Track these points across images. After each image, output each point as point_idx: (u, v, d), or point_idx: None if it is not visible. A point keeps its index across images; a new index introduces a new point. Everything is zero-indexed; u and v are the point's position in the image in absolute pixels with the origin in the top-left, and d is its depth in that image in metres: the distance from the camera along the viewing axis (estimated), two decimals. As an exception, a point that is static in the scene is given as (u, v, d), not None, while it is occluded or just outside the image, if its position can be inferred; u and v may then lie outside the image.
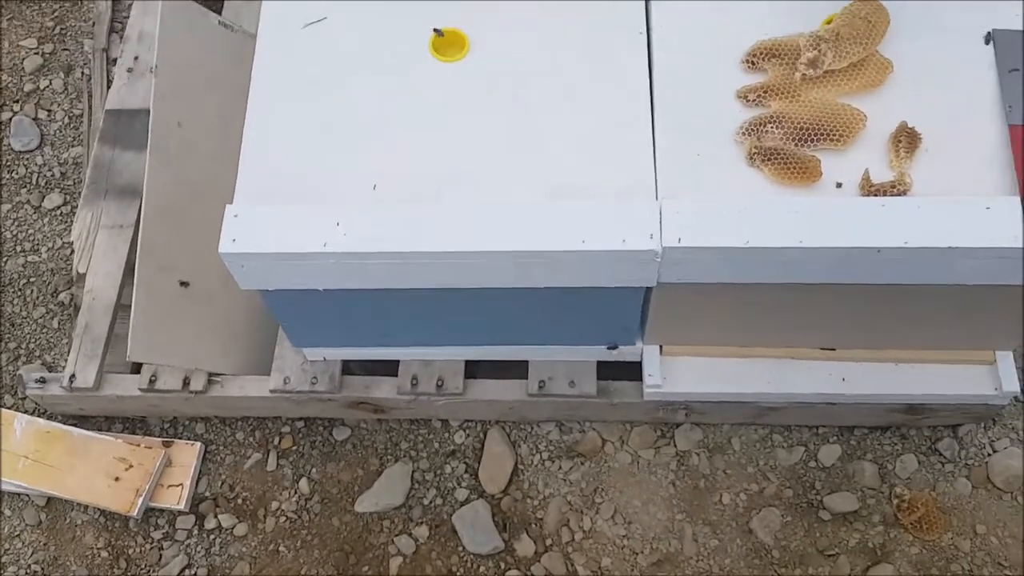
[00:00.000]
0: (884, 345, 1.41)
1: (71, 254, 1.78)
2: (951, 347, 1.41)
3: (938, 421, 1.54)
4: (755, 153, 1.17)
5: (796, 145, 1.16)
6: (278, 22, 1.29)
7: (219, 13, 1.76)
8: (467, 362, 1.51)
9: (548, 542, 1.54)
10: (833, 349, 1.42)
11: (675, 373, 1.45)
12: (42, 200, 1.86)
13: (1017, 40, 1.21)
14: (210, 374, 1.51)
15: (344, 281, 1.17)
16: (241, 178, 1.18)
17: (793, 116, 1.17)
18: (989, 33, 1.22)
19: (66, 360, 1.56)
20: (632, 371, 1.49)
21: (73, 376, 1.51)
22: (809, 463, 1.57)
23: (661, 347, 1.45)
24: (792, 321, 1.34)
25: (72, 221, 1.79)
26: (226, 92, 1.49)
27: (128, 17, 1.89)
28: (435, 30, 1.27)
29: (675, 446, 1.59)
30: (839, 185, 1.15)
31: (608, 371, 1.51)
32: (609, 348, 1.44)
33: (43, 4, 2.07)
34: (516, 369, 1.51)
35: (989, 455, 1.55)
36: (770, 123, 1.17)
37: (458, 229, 1.13)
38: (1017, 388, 1.40)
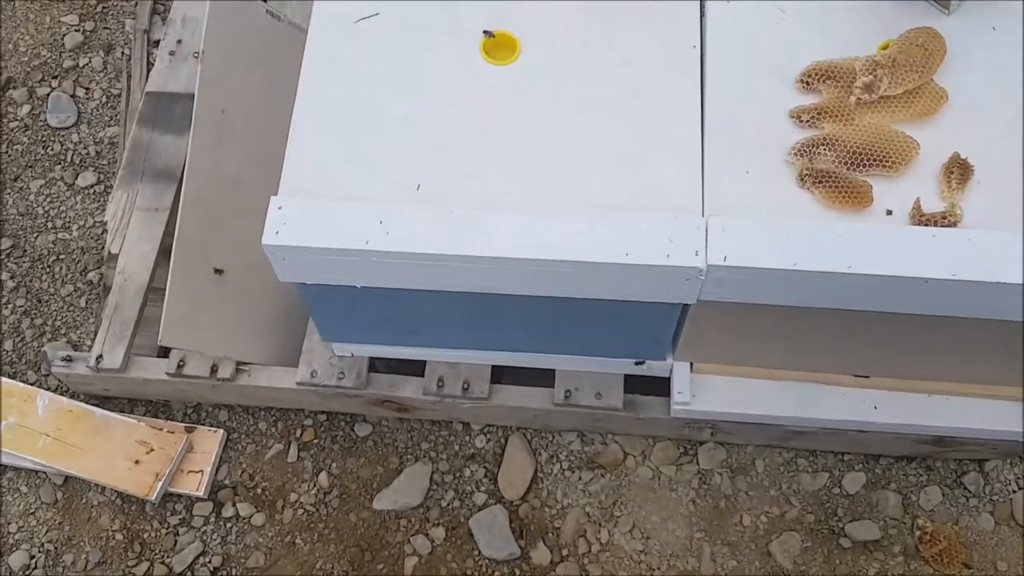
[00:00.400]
0: (918, 376, 1.39)
1: (103, 233, 1.78)
2: (984, 382, 1.39)
3: (965, 455, 1.53)
4: (806, 174, 1.15)
5: (848, 169, 1.15)
6: (331, 16, 1.28)
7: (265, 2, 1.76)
8: (493, 368, 1.50)
9: (564, 552, 1.53)
10: (867, 376, 1.41)
11: (704, 391, 1.44)
12: (76, 178, 1.86)
13: (1075, 77, 1.20)
14: (238, 363, 1.50)
15: (383, 279, 1.17)
16: (287, 171, 1.17)
17: (846, 139, 1.16)
18: (1047, 67, 1.21)
19: (91, 339, 1.56)
20: (658, 386, 1.48)
21: (100, 356, 1.50)
22: (833, 489, 1.55)
23: (692, 364, 1.44)
24: (828, 346, 1.33)
25: (106, 201, 1.79)
26: (270, 82, 1.49)
27: (171, 0, 1.90)
28: (485, 32, 1.26)
29: (697, 464, 1.58)
30: (889, 212, 1.14)
31: (632, 385, 1.50)
32: (637, 363, 1.43)
33: (86, -19, 2.07)
34: (540, 376, 1.50)
35: (1014, 492, 1.54)
36: (823, 145, 1.16)
37: (501, 235, 1.12)
38: (1049, 427, 1.39)
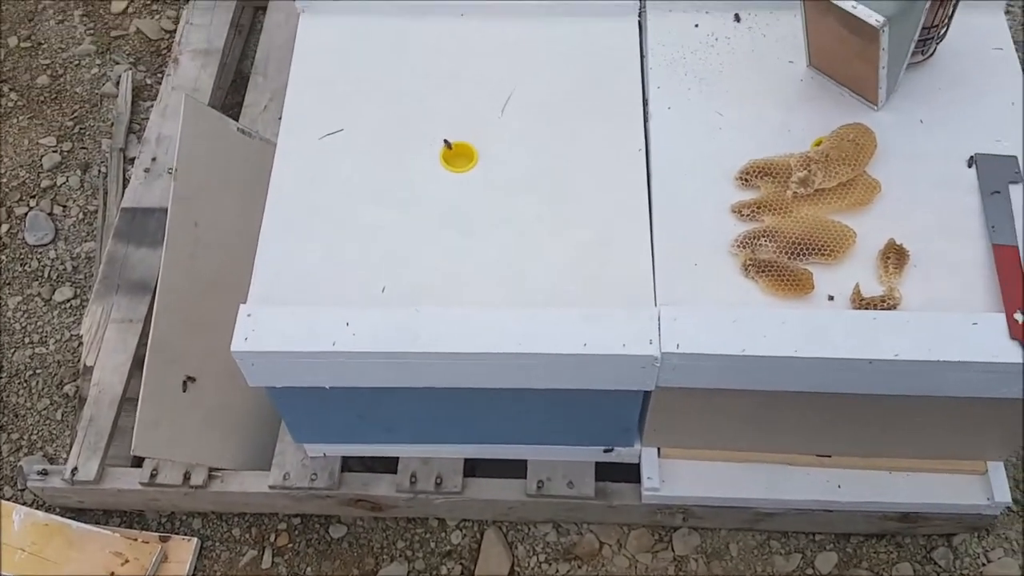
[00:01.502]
0: (877, 454, 1.43)
1: (78, 346, 1.81)
2: (943, 457, 1.43)
3: (932, 530, 1.55)
4: (749, 265, 1.22)
5: (789, 258, 1.22)
6: (298, 131, 1.36)
7: (237, 120, 1.84)
8: (466, 461, 1.53)
9: (544, 648, 1.52)
10: (829, 456, 1.44)
11: (673, 476, 1.46)
12: (52, 293, 1.90)
13: (998, 164, 1.28)
14: (211, 469, 1.52)
15: (351, 379, 1.20)
16: (255, 279, 1.22)
17: (785, 231, 1.23)
18: (972, 157, 1.29)
19: (67, 452, 1.57)
20: (631, 473, 1.50)
21: (75, 469, 1.51)
22: (806, 570, 1.57)
23: (659, 450, 1.47)
24: (787, 427, 1.37)
25: (82, 315, 1.82)
26: (242, 194, 1.55)
27: (147, 119, 1.98)
28: (445, 142, 1.34)
29: (673, 551, 1.59)
30: (831, 298, 1.20)
31: (607, 473, 1.52)
32: (605, 451, 1.46)
33: (64, 105, 2.15)
34: (515, 468, 1.52)
35: (984, 565, 1.56)
36: (763, 237, 1.23)
37: (463, 331, 1.17)
38: (1008, 498, 1.42)
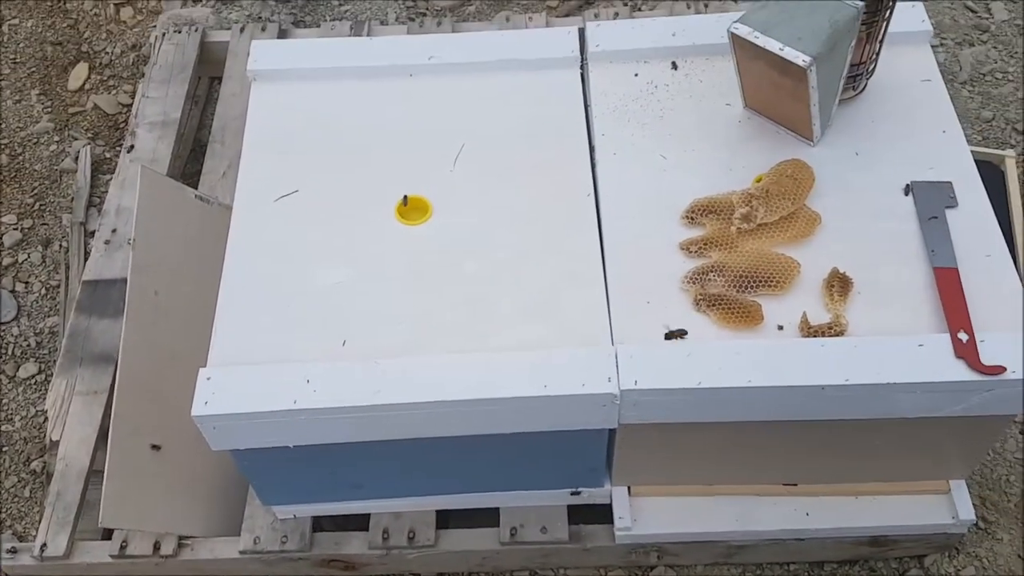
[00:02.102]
0: (842, 479, 1.45)
1: (44, 422, 1.80)
2: (906, 479, 1.45)
3: (903, 552, 1.57)
4: (700, 299, 1.25)
5: (737, 291, 1.25)
6: (253, 194, 1.39)
7: (196, 187, 1.86)
8: (439, 513, 1.52)
9: None
10: (795, 484, 1.46)
11: (644, 514, 1.47)
12: (17, 370, 1.89)
13: (933, 190, 1.33)
14: (180, 537, 1.50)
15: (315, 436, 1.21)
16: (214, 343, 1.23)
17: (732, 265, 1.26)
18: (908, 185, 1.34)
19: (37, 529, 1.55)
20: (605, 515, 1.51)
21: (44, 545, 1.50)
22: (783, 602, 1.57)
23: (630, 488, 1.48)
24: (751, 458, 1.39)
25: (46, 389, 1.81)
26: (202, 261, 1.56)
27: (106, 193, 2.00)
28: (404, 197, 1.36)
29: (649, 590, 1.59)
30: (780, 327, 1.23)
31: (582, 516, 1.53)
32: (573, 494, 1.47)
33: (23, 182, 2.17)
34: (489, 517, 1.52)
35: (957, 585, 1.57)
36: (712, 272, 1.26)
37: (424, 381, 1.19)
38: (972, 516, 1.44)
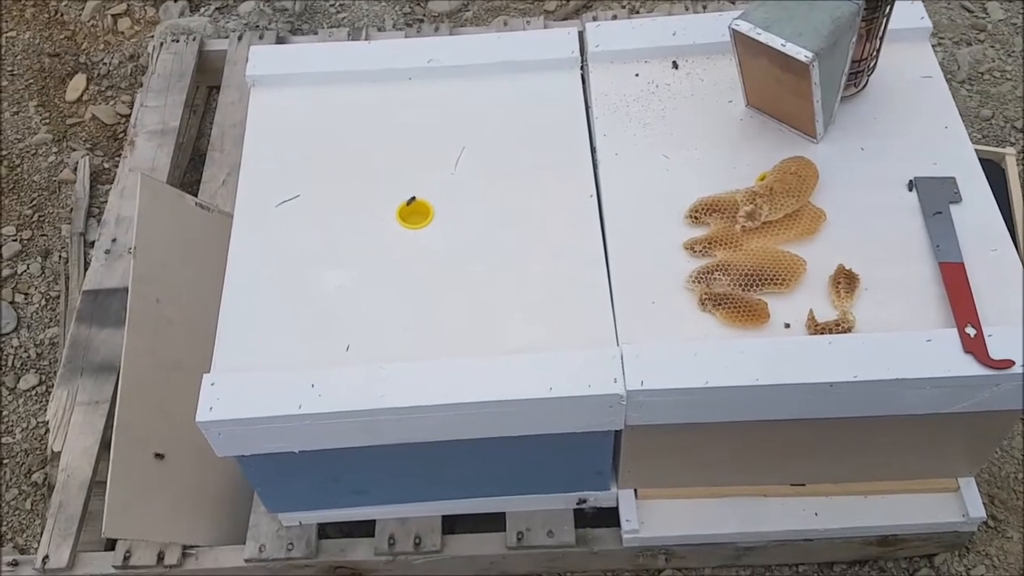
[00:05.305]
0: (850, 478, 1.44)
1: (45, 434, 1.79)
2: (914, 477, 1.44)
3: (912, 552, 1.56)
4: (706, 299, 1.24)
5: (743, 290, 1.24)
6: (254, 200, 1.38)
7: (196, 195, 1.86)
8: (445, 518, 1.51)
9: None
10: (803, 485, 1.45)
11: (651, 517, 1.46)
12: (17, 381, 1.88)
13: (936, 186, 1.32)
14: (184, 546, 1.49)
15: (320, 441, 1.20)
16: (218, 348, 1.22)
17: (738, 264, 1.26)
18: (911, 181, 1.33)
19: (38, 541, 1.53)
20: (608, 518, 1.50)
21: (46, 557, 1.48)
22: (792, 603, 1.56)
23: (636, 491, 1.47)
24: (759, 458, 1.38)
25: (47, 401, 1.80)
26: (203, 268, 1.56)
27: (105, 203, 1.99)
28: (412, 198, 1.36)
29: (658, 594, 1.58)
30: (787, 325, 1.22)
31: (589, 519, 1.52)
32: (579, 503, 1.46)
33: (22, 194, 2.16)
34: (495, 521, 1.51)
35: (968, 584, 1.56)
36: (717, 271, 1.26)
37: (430, 384, 1.18)
38: (983, 513, 1.43)
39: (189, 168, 2.13)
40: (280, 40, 2.17)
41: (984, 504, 1.46)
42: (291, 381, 1.17)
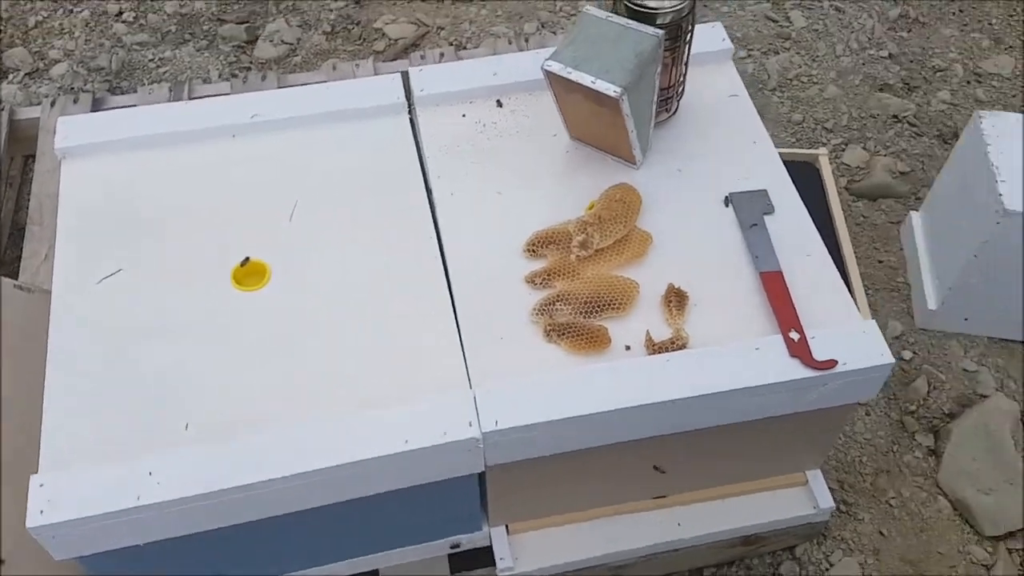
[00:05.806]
0: (707, 484, 1.49)
1: None
2: (765, 476, 1.51)
3: (774, 546, 1.63)
4: (550, 329, 1.26)
5: (584, 318, 1.27)
6: (72, 281, 1.31)
7: (17, 273, 1.74)
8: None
9: None
10: (664, 496, 1.50)
11: (524, 551, 1.47)
12: None
13: (750, 199, 1.40)
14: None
15: (165, 531, 1.14)
16: (45, 446, 1.14)
17: (576, 293, 1.28)
18: (727, 196, 1.40)
19: None
20: (484, 558, 1.49)
21: None
22: (670, 613, 1.60)
23: (508, 527, 1.47)
24: (620, 478, 1.41)
25: None
26: (28, 354, 1.46)
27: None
28: (245, 259, 1.32)
29: (540, 625, 1.58)
30: (628, 348, 1.26)
31: (464, 562, 1.51)
32: (452, 548, 1.45)
33: None
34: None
35: (827, 569, 1.64)
36: (558, 301, 1.28)
37: (278, 454, 1.14)
38: (831, 503, 1.51)
39: (9, 244, 2.01)
40: (97, 102, 2.07)
41: (835, 490, 1.55)
42: (126, 472, 1.10)
